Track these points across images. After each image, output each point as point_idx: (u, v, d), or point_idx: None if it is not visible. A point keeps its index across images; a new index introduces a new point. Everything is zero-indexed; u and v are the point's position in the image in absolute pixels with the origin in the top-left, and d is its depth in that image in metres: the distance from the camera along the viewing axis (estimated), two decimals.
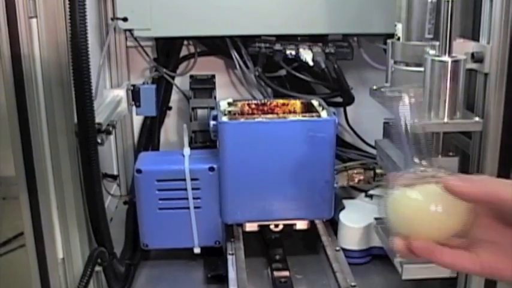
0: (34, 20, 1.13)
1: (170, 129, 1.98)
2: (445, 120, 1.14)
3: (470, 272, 0.70)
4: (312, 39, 1.72)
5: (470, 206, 0.66)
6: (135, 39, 1.81)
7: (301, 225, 1.48)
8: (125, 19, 1.64)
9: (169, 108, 1.94)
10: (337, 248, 1.44)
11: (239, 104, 1.51)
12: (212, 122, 1.43)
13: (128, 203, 1.77)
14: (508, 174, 1.20)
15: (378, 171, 1.63)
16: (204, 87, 1.76)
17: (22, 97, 1.13)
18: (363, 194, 1.62)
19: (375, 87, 1.40)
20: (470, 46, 1.20)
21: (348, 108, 1.85)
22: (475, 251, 0.68)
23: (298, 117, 1.44)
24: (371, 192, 1.60)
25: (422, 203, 0.68)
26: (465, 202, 0.66)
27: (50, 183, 1.21)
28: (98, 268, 1.27)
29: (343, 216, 1.50)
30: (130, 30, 1.71)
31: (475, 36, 1.22)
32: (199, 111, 1.72)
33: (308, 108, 1.53)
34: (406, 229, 0.69)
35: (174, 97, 1.94)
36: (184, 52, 1.90)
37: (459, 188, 0.65)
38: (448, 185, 0.65)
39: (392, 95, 1.27)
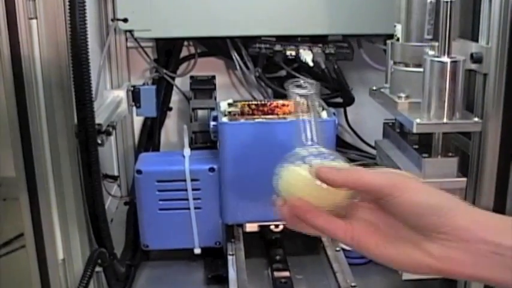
0: (34, 21, 1.13)
1: (170, 130, 1.98)
2: (445, 120, 1.15)
3: (340, 239, 0.76)
4: (312, 40, 1.73)
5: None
6: (136, 40, 1.81)
7: None
8: (125, 20, 1.65)
9: (170, 109, 1.94)
10: (337, 249, 1.44)
11: (239, 104, 1.51)
12: (212, 123, 1.43)
13: (128, 204, 1.78)
14: (508, 174, 1.20)
15: None
16: (204, 88, 1.76)
17: (22, 98, 1.13)
18: None
19: (374, 88, 1.40)
20: (470, 47, 1.20)
21: (348, 109, 1.85)
22: (350, 222, 0.76)
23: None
24: None
25: (309, 178, 0.76)
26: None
27: (50, 184, 1.21)
28: (98, 269, 1.27)
29: None
30: (130, 31, 1.71)
31: (474, 37, 1.22)
32: (200, 112, 1.72)
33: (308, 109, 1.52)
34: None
35: (175, 98, 1.94)
36: (184, 53, 1.90)
37: (325, 175, 0.74)
38: (317, 172, 0.75)
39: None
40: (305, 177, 0.78)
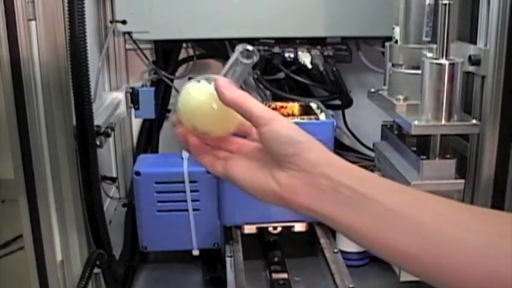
0: (33, 23, 1.14)
1: (169, 131, 1.98)
2: (443, 122, 1.15)
3: (210, 170, 0.87)
4: (311, 42, 1.73)
5: (239, 117, 0.81)
6: (134, 42, 1.80)
7: (299, 227, 1.48)
8: (124, 22, 1.65)
9: (168, 111, 1.94)
10: (336, 250, 1.44)
11: None
12: None
13: (126, 206, 1.77)
14: (506, 177, 1.21)
15: (376, 173, 1.63)
16: None
17: (21, 100, 1.13)
18: None
19: (373, 90, 1.40)
20: (468, 49, 1.20)
21: (346, 111, 1.85)
22: (227, 156, 0.86)
23: (297, 119, 1.44)
24: None
25: (204, 101, 0.81)
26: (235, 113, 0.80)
27: (49, 186, 1.21)
28: (96, 270, 1.27)
29: None
30: (129, 33, 1.71)
31: (472, 39, 1.23)
32: None
33: (306, 111, 1.53)
34: (190, 119, 0.82)
35: (173, 100, 1.93)
36: (183, 55, 1.89)
37: (221, 86, 0.80)
38: (216, 82, 0.80)
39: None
40: (201, 98, 0.82)
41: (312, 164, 0.77)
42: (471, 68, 1.19)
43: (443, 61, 1.13)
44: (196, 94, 0.82)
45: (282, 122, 0.79)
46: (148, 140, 1.92)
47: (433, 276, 0.69)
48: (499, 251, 0.65)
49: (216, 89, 0.80)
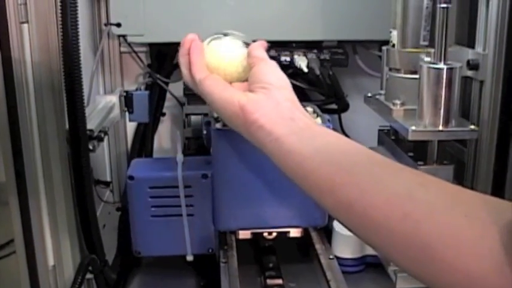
0: (25, 25, 1.12)
1: (164, 135, 1.97)
2: (440, 128, 1.14)
3: (195, 73, 1.03)
4: (307, 46, 1.72)
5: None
6: (129, 45, 1.79)
7: (294, 233, 1.46)
8: (118, 25, 1.64)
9: (163, 115, 1.93)
10: (331, 256, 1.43)
11: None
12: (205, 129, 1.42)
13: (120, 210, 1.76)
14: (504, 182, 1.20)
15: None
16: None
17: (13, 103, 1.12)
18: None
19: (369, 94, 1.39)
20: (466, 53, 1.19)
21: (343, 115, 1.84)
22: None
23: None
24: None
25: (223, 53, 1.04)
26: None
27: (40, 190, 1.20)
28: (89, 276, 1.27)
29: (337, 224, 1.49)
30: (123, 36, 1.70)
31: (470, 44, 1.22)
32: (193, 118, 1.71)
33: None
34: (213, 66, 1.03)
35: (168, 103, 1.93)
36: (178, 58, 1.88)
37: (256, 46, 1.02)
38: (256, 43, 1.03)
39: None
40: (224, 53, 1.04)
41: (282, 97, 0.91)
42: (469, 73, 1.19)
43: (441, 65, 1.12)
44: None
45: (276, 67, 0.99)
46: (142, 144, 1.91)
47: (353, 213, 0.75)
48: (420, 197, 0.70)
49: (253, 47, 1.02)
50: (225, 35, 1.07)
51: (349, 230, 0.79)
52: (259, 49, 1.01)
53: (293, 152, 0.83)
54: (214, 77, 0.99)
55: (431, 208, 0.68)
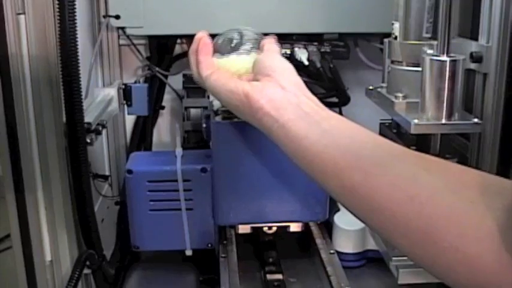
0: (22, 17, 1.11)
1: (163, 129, 1.96)
2: (443, 121, 1.12)
3: (201, 70, 1.07)
4: (308, 38, 1.70)
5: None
6: (128, 37, 1.78)
7: (295, 227, 1.45)
8: (117, 17, 1.62)
9: (162, 108, 1.92)
10: (332, 251, 1.42)
11: None
12: (205, 122, 1.41)
13: (119, 204, 1.75)
14: (507, 176, 1.18)
15: None
16: (197, 86, 1.72)
17: (9, 96, 1.11)
18: None
19: (371, 88, 1.38)
20: (469, 45, 1.18)
21: (344, 109, 1.83)
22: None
23: None
24: None
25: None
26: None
27: (37, 184, 1.19)
28: (86, 271, 1.26)
29: (337, 219, 1.48)
30: (122, 28, 1.69)
31: (474, 36, 1.20)
32: (193, 111, 1.70)
33: None
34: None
35: (167, 96, 1.91)
36: (177, 51, 1.87)
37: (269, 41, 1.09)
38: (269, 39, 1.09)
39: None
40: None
41: (287, 83, 0.92)
42: (473, 65, 1.17)
43: (444, 58, 1.10)
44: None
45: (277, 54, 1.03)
46: (141, 137, 1.90)
47: (358, 197, 0.76)
48: (424, 180, 0.72)
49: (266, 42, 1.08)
50: (237, 30, 1.12)
51: (352, 213, 0.80)
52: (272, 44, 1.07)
53: (299, 137, 0.84)
54: (220, 72, 1.02)
55: (435, 191, 0.70)
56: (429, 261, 0.71)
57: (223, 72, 1.02)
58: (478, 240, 0.65)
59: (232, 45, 1.09)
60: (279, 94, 0.90)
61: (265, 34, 1.67)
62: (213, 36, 1.52)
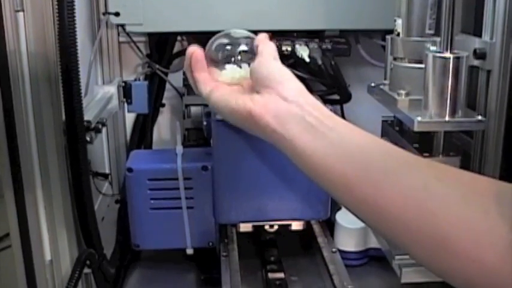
0: (21, 14, 1.10)
1: (163, 127, 1.95)
2: (447, 118, 1.11)
3: (201, 88, 1.04)
4: (309, 35, 1.70)
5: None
6: (128, 34, 1.77)
7: (296, 225, 1.44)
8: (116, 14, 1.61)
9: (162, 105, 1.91)
10: (334, 250, 1.42)
11: None
12: (205, 120, 1.40)
13: (119, 202, 1.75)
14: (511, 174, 1.17)
15: None
16: None
17: (8, 93, 1.10)
18: None
19: (373, 85, 1.37)
20: (473, 42, 1.17)
21: (345, 106, 1.82)
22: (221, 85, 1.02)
23: None
24: None
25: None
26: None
27: (37, 182, 1.18)
28: (86, 270, 1.25)
29: (339, 217, 1.47)
30: (122, 26, 1.67)
31: (477, 32, 1.19)
32: (193, 109, 1.70)
33: None
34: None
35: (167, 94, 1.91)
36: (177, 48, 1.86)
37: (264, 39, 1.05)
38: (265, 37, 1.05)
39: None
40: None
41: (289, 93, 0.89)
42: (476, 62, 1.16)
43: (447, 55, 1.09)
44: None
45: (273, 59, 0.98)
46: (142, 135, 1.89)
47: (369, 209, 0.76)
48: (435, 190, 0.71)
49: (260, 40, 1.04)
50: (228, 36, 1.09)
51: (367, 225, 0.81)
52: (266, 46, 1.02)
53: (307, 153, 0.84)
54: (219, 89, 1.00)
55: (446, 201, 0.69)
56: (445, 271, 0.71)
57: (223, 89, 1.00)
58: (494, 250, 0.65)
59: (226, 52, 1.06)
60: (283, 108, 0.88)
61: (266, 31, 1.68)
62: (213, 33, 1.52)
